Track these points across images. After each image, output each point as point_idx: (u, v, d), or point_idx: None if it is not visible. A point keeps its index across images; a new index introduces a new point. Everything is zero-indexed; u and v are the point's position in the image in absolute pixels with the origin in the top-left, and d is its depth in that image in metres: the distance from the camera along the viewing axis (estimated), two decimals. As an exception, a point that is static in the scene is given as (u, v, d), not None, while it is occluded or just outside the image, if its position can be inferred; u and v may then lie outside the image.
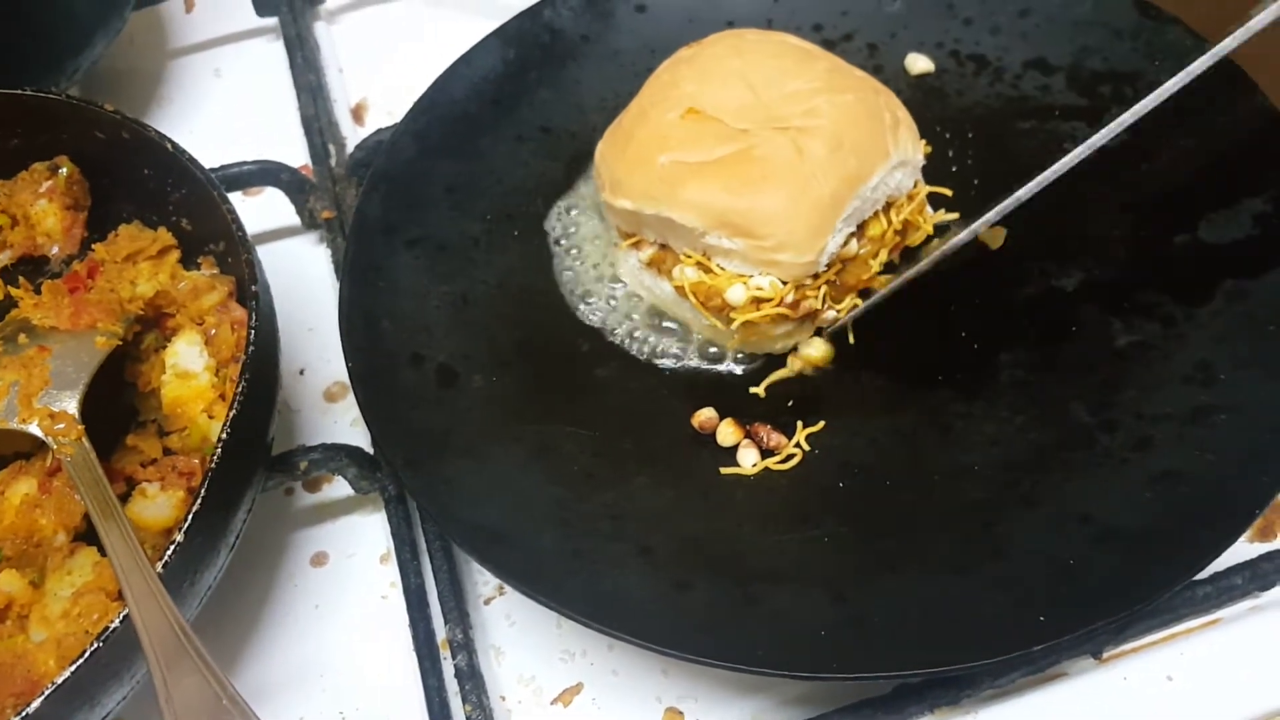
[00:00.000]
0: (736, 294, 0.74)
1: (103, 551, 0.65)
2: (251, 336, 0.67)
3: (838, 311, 0.77)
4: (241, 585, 0.77)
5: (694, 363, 0.79)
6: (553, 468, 0.72)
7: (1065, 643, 0.60)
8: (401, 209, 0.81)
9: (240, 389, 0.65)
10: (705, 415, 0.75)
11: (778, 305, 0.74)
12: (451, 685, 0.70)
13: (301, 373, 0.87)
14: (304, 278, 0.92)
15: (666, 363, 0.79)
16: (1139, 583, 0.61)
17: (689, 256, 0.76)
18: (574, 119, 0.88)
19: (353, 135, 0.99)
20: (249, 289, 0.70)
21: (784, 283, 0.74)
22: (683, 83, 0.77)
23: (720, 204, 0.73)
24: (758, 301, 0.75)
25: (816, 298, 0.75)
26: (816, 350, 0.77)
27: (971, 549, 0.66)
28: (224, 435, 0.63)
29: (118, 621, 0.57)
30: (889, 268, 0.79)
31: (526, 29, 0.89)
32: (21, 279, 0.78)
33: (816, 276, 0.75)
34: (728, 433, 0.74)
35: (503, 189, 0.85)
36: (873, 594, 0.64)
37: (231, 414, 0.64)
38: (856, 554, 0.66)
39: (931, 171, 0.82)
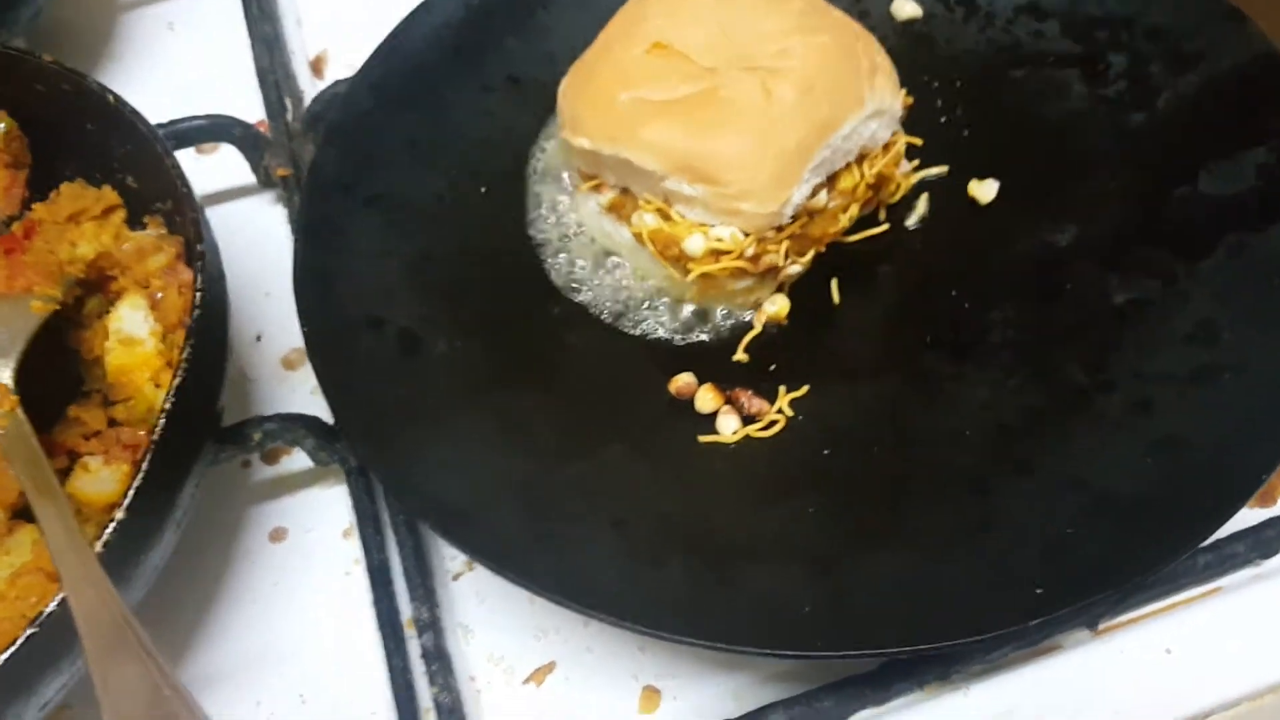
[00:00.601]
0: (695, 244, 0.70)
1: (43, 530, 0.62)
2: (198, 299, 0.63)
3: (801, 265, 0.73)
4: (195, 564, 0.73)
5: (670, 329, 0.75)
6: (521, 439, 0.68)
7: (1061, 616, 0.57)
8: (359, 164, 0.77)
9: (185, 355, 0.61)
10: (683, 381, 0.71)
11: (737, 258, 0.70)
12: (418, 666, 0.67)
13: (258, 339, 0.83)
14: (260, 239, 0.88)
15: (644, 327, 0.75)
16: (1139, 554, 0.58)
17: (649, 203, 0.71)
18: (544, 69, 0.83)
19: (311, 89, 0.94)
20: (195, 249, 0.65)
21: (745, 234, 0.70)
22: (651, 17, 0.73)
23: (681, 146, 0.68)
24: (716, 254, 0.71)
25: (779, 252, 0.71)
26: (775, 305, 0.73)
27: (962, 519, 0.63)
28: (168, 405, 0.59)
29: (54, 605, 0.53)
30: (860, 223, 0.76)
31: (492, -27, 0.85)
32: (-45, 241, 0.73)
33: (780, 229, 0.71)
34: (707, 399, 0.70)
35: (467, 143, 0.81)
36: (859, 568, 0.61)
37: (176, 382, 0.60)
38: (842, 526, 0.63)
39: (918, 122, 0.78)
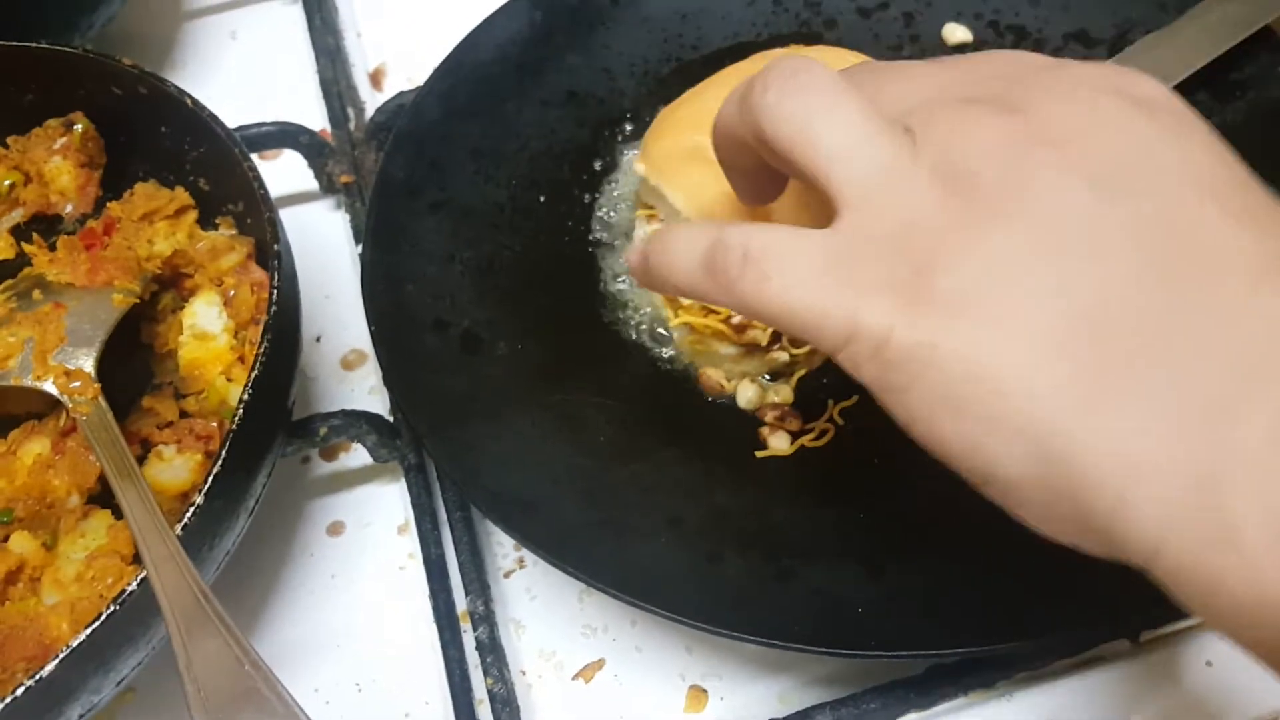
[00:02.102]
0: None
1: (116, 514, 0.64)
2: (274, 296, 0.65)
3: (791, 356, 0.74)
4: (256, 555, 0.75)
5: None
6: (578, 437, 0.70)
7: (1105, 626, 0.58)
8: (425, 171, 0.79)
9: (262, 349, 0.63)
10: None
11: (722, 320, 0.72)
12: (472, 657, 0.68)
13: (318, 339, 0.86)
14: (321, 243, 0.90)
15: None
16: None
17: None
18: (602, 85, 0.86)
19: (371, 100, 0.97)
20: (270, 249, 0.68)
21: None
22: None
23: (710, 195, 0.69)
24: (706, 310, 0.73)
25: (764, 331, 0.73)
26: (777, 395, 0.74)
27: (1014, 526, 0.64)
28: (246, 396, 0.61)
29: (134, 584, 0.55)
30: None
31: (554, -9, 0.88)
32: (36, 235, 0.76)
33: None
34: (747, 394, 0.73)
35: (528, 154, 0.83)
36: (910, 572, 0.62)
37: (253, 375, 0.62)
38: (894, 530, 0.65)
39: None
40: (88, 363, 0.67)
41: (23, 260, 0.76)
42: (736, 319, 0.72)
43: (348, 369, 0.84)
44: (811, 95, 0.43)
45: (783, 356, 0.75)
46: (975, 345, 0.38)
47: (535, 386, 0.72)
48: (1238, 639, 0.37)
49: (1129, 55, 0.80)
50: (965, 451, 0.40)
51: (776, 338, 0.74)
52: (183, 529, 0.57)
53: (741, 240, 0.43)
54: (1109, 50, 0.83)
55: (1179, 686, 0.67)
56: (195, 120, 0.74)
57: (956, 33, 0.86)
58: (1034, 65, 0.45)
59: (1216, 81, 0.78)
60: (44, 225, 0.80)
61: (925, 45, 0.86)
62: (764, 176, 0.52)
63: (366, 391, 0.83)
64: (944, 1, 0.87)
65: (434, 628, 0.70)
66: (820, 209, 0.44)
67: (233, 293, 0.72)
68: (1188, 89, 0.79)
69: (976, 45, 0.86)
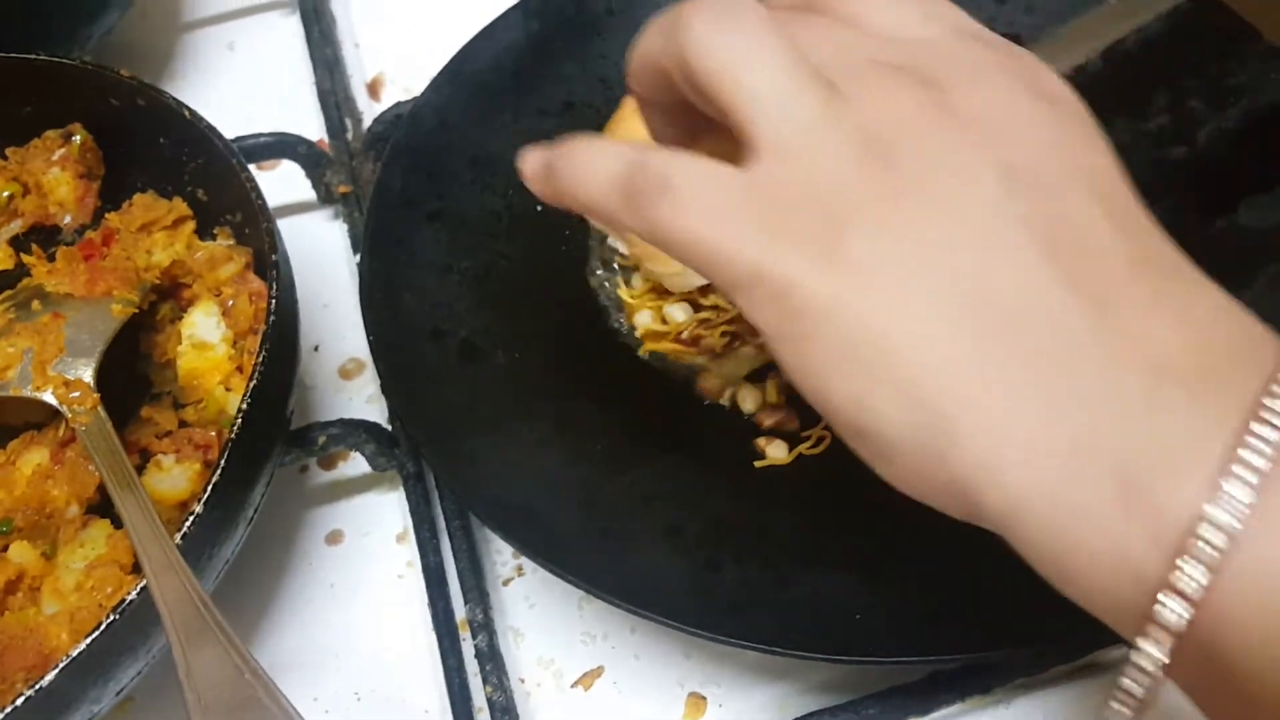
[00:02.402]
0: (643, 319, 0.76)
1: (115, 524, 0.64)
2: (272, 306, 0.65)
3: (756, 348, 0.74)
4: (254, 564, 0.75)
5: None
6: (577, 445, 0.70)
7: (1105, 632, 0.58)
8: (423, 181, 0.79)
9: (261, 359, 0.63)
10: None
11: (673, 339, 0.74)
12: (471, 666, 0.68)
13: (316, 349, 0.86)
14: (319, 253, 0.91)
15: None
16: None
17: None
18: (598, 93, 0.86)
19: (369, 110, 0.98)
20: (269, 258, 0.68)
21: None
22: None
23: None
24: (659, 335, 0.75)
25: (717, 336, 0.74)
26: (770, 395, 0.74)
27: (1008, 533, 0.64)
28: (245, 405, 0.61)
29: (135, 594, 0.56)
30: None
31: (550, 1, 0.88)
32: (35, 246, 0.76)
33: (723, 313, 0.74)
34: (748, 398, 0.73)
35: (525, 164, 0.83)
36: (910, 576, 0.62)
37: (252, 384, 0.62)
38: (892, 536, 0.65)
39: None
40: (87, 373, 0.67)
41: (22, 271, 0.77)
42: (686, 334, 0.73)
43: (346, 378, 0.85)
44: (742, 34, 0.43)
45: (747, 351, 0.75)
46: (876, 311, 0.40)
47: (533, 395, 0.72)
48: (1091, 605, 0.40)
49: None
50: (847, 405, 0.42)
51: (733, 341, 0.74)
52: (182, 538, 0.58)
53: (663, 167, 0.44)
54: (1101, 59, 0.83)
55: (1172, 693, 0.67)
56: (193, 131, 0.75)
57: (951, 41, 0.86)
58: (960, 33, 0.47)
59: (1211, 88, 0.79)
60: (43, 236, 0.81)
61: (920, 54, 0.87)
62: (679, 114, 0.51)
63: (364, 400, 0.83)
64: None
65: (433, 636, 0.70)
66: (735, 150, 0.44)
67: (231, 303, 0.72)
68: (1183, 94, 0.79)
69: (971, 54, 0.86)
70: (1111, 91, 0.81)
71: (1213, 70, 0.79)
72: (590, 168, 0.47)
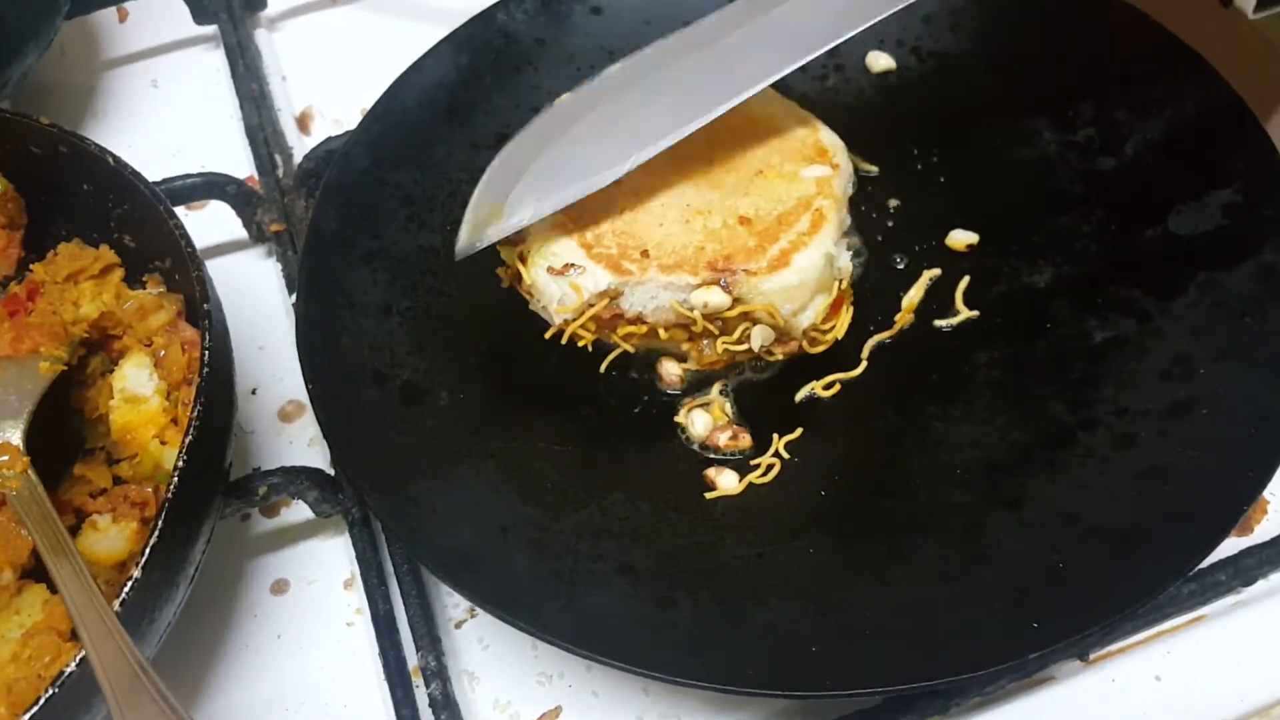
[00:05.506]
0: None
1: (53, 589, 0.62)
2: (205, 357, 0.64)
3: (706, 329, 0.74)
4: (199, 618, 0.73)
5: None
6: (525, 486, 0.69)
7: (1057, 649, 0.59)
8: (357, 221, 0.78)
9: (196, 413, 0.61)
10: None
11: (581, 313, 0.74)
12: (425, 715, 0.67)
13: (254, 392, 0.84)
14: (253, 293, 0.89)
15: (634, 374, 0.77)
16: (1130, 584, 0.60)
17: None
18: (531, 124, 0.85)
19: (299, 145, 0.96)
20: (200, 307, 0.66)
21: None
22: None
23: None
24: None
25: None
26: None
27: (958, 554, 0.65)
28: (180, 463, 0.60)
29: (74, 665, 0.54)
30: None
31: (479, 34, 0.87)
32: (-45, 303, 0.74)
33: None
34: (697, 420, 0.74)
35: (460, 199, 0.81)
36: (861, 605, 0.62)
37: (187, 440, 0.61)
38: (843, 564, 0.65)
39: (894, 170, 0.81)
40: (15, 435, 0.65)
41: (-57, 329, 0.74)
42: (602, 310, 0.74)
43: (286, 420, 0.83)
44: None
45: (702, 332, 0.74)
46: None
47: (479, 435, 0.71)
48: None
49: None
50: None
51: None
52: (121, 604, 0.56)
53: None
54: (1026, 75, 0.84)
55: (1130, 701, 0.68)
56: (117, 178, 0.73)
57: (880, 61, 0.87)
58: None
59: (1136, 100, 0.80)
60: (-36, 290, 0.78)
61: (850, 73, 0.87)
62: None
63: (306, 443, 0.82)
64: (867, 30, 0.88)
65: (385, 685, 0.69)
66: None
67: (163, 353, 0.70)
68: (1109, 105, 0.80)
69: (899, 72, 0.87)
70: (1040, 105, 0.83)
71: (1137, 79, 0.80)
72: None
